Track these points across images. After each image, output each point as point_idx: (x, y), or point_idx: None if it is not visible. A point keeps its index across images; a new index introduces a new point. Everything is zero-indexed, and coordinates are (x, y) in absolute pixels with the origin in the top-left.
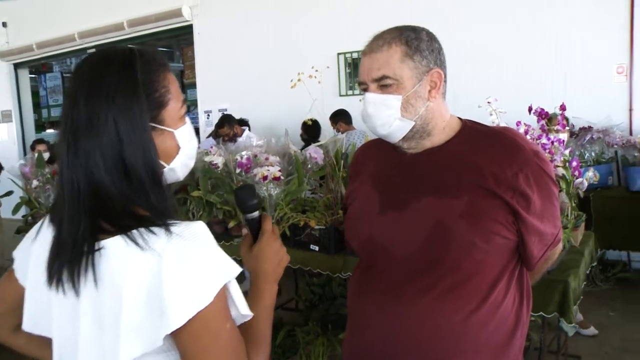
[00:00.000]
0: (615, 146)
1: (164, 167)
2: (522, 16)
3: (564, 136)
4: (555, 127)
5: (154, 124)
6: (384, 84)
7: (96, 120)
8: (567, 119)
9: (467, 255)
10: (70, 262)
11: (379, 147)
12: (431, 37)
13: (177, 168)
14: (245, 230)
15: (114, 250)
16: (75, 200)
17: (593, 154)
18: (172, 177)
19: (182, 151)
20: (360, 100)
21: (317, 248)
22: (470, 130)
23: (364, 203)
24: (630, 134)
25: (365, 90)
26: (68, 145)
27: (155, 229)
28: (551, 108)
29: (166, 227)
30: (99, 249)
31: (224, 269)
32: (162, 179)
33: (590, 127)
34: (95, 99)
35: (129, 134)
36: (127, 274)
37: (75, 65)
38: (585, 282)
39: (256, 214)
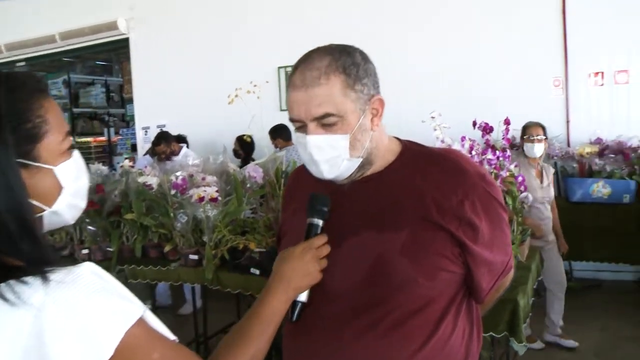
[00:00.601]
0: (555, 157)
1: (44, 210)
2: (461, 32)
3: (540, 147)
4: (539, 136)
5: (25, 161)
6: (326, 123)
7: None
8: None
9: (410, 292)
10: None
11: None
12: (365, 58)
13: (62, 210)
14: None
15: None
16: None
17: None
18: (56, 220)
19: (66, 191)
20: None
21: (257, 272)
22: (411, 153)
23: (297, 237)
24: (568, 145)
25: (301, 129)
26: None
27: (28, 279)
28: (494, 122)
29: (43, 275)
30: None
31: (123, 314)
32: (35, 225)
33: None
34: None
35: None
36: None
37: None
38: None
39: (317, 222)
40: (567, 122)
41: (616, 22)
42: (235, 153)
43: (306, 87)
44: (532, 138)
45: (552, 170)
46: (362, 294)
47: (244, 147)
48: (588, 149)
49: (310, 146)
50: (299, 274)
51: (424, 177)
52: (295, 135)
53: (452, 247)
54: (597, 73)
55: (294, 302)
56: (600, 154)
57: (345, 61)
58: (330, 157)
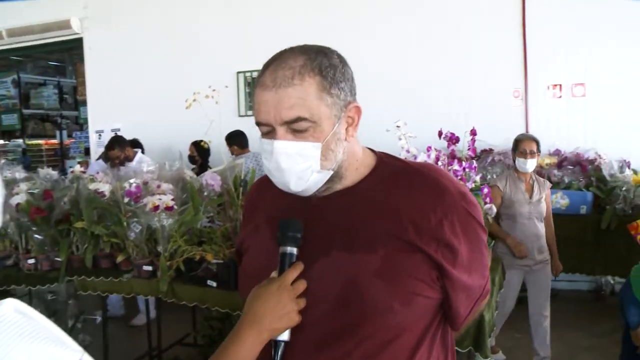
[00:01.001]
0: None
1: None
2: (424, 42)
3: (532, 162)
4: (532, 151)
5: None
6: (297, 128)
7: None
8: None
9: (384, 320)
10: None
11: None
12: (342, 61)
13: None
14: (274, 273)
15: None
16: None
17: (495, 175)
18: None
19: None
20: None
21: (215, 284)
22: (386, 167)
23: (259, 256)
24: None
25: (268, 134)
26: None
27: None
28: (460, 133)
29: None
30: None
31: None
32: None
33: (491, 150)
34: None
35: None
36: None
37: None
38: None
39: (290, 250)
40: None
41: (574, 36)
42: (192, 159)
43: (277, 87)
44: (525, 153)
45: (549, 185)
46: (333, 321)
47: (201, 153)
48: (547, 160)
49: (277, 153)
50: (275, 316)
51: (400, 194)
52: (261, 142)
53: (430, 270)
54: (555, 85)
55: (276, 342)
56: (559, 165)
57: (322, 62)
58: (299, 167)
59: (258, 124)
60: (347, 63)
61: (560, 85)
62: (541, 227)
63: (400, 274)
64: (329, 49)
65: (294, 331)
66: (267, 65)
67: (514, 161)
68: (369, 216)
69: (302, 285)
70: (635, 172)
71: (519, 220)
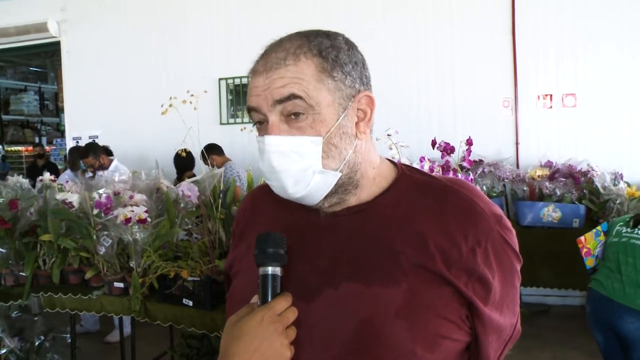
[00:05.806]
0: (506, 180)
1: None
2: (411, 51)
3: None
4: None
5: None
6: (293, 111)
7: None
8: None
9: None
10: None
11: (276, 195)
12: (350, 45)
13: None
14: (255, 298)
15: None
16: None
17: (485, 187)
18: None
19: None
20: (242, 129)
21: (190, 303)
22: (409, 182)
23: (252, 281)
24: (517, 167)
25: (260, 124)
26: None
27: None
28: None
29: None
30: None
31: None
32: None
33: (481, 161)
34: None
35: None
36: None
37: None
38: None
39: (273, 271)
40: (517, 144)
41: (564, 46)
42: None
43: (268, 70)
44: None
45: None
46: None
47: (182, 161)
48: (540, 172)
49: (268, 151)
50: (259, 356)
51: (427, 215)
52: (257, 141)
53: (459, 308)
54: (545, 95)
55: None
56: (551, 177)
57: (322, 42)
58: (296, 167)
59: (249, 110)
60: (357, 47)
61: (551, 95)
62: None
63: (425, 312)
64: (333, 32)
65: None
66: (262, 53)
67: None
68: (389, 240)
69: (292, 313)
70: (628, 184)
71: None
